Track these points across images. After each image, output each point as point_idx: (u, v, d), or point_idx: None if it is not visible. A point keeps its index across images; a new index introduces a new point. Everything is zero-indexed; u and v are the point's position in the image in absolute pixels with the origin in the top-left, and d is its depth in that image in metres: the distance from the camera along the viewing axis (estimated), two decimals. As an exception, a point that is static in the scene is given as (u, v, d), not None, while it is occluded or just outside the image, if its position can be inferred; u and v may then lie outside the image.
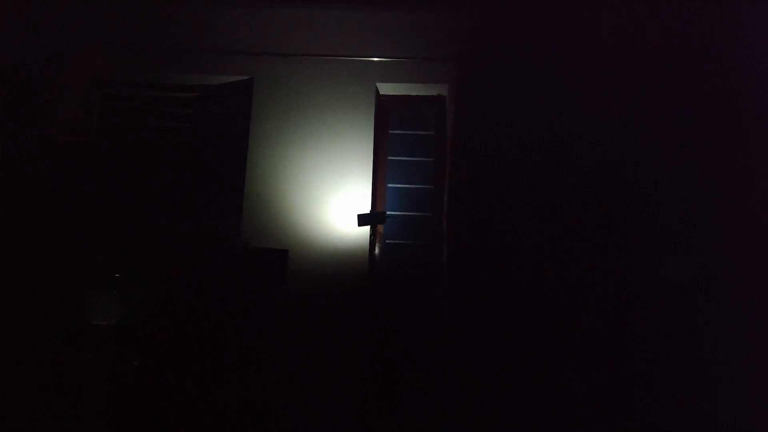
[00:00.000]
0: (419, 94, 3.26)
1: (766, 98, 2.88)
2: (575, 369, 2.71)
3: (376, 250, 3.10)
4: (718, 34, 2.95)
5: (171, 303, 2.78)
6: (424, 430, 2.72)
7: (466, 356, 2.75)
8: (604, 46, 3.00)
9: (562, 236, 2.85)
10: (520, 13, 3.09)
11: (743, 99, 2.90)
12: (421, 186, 3.20)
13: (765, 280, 2.76)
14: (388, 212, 3.13)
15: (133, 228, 3.10)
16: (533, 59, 3.03)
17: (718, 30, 2.95)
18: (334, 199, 3.04)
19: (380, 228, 3.11)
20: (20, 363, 2.76)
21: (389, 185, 3.20)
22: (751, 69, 2.91)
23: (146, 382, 2.69)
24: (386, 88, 3.23)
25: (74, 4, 3.19)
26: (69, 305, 2.93)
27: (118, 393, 2.70)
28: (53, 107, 3.09)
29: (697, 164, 2.86)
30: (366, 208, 3.03)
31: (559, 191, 2.90)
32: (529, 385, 2.70)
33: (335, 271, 2.95)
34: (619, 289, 2.79)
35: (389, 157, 3.22)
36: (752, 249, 2.79)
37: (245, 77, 3.20)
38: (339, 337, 2.87)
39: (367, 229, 3.01)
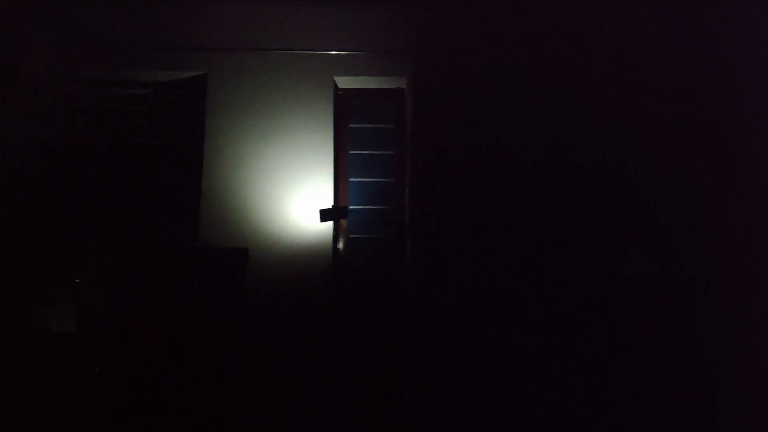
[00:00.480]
0: (378, 87, 3.24)
1: (766, 98, 2.92)
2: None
3: (340, 245, 3.09)
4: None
5: (130, 307, 2.71)
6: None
7: (432, 351, 2.76)
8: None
9: (529, 238, 2.86)
10: (482, 6, 3.08)
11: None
12: (382, 179, 3.19)
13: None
14: (350, 206, 3.11)
15: (89, 231, 3.01)
16: (494, 53, 3.03)
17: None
18: (296, 195, 3.01)
19: (343, 223, 3.09)
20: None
21: (351, 179, 3.18)
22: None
23: (109, 389, 2.63)
24: (345, 82, 3.20)
25: (24, 2, 3.06)
26: (26, 313, 2.84)
27: (82, 401, 2.64)
28: (4, 107, 2.98)
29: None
30: (328, 203, 3.01)
31: (530, 186, 2.90)
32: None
33: (298, 268, 2.92)
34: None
35: (350, 151, 3.20)
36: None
37: (199, 73, 3.13)
38: (303, 335, 2.85)
39: (330, 224, 2.99)
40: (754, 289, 2.80)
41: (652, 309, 2.79)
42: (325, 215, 2.94)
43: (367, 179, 3.18)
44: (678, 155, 2.91)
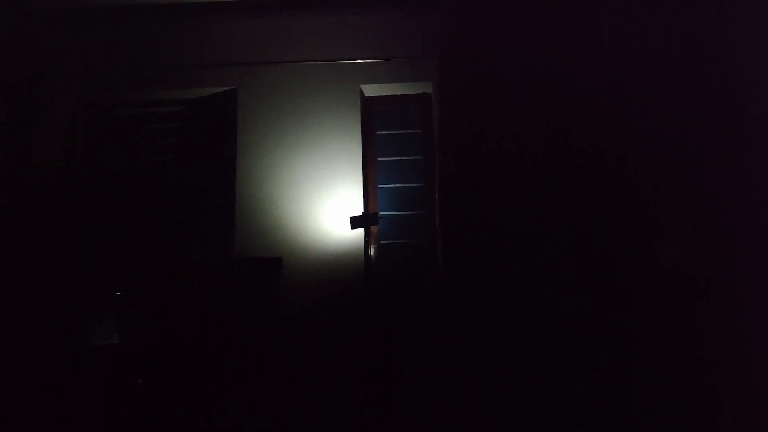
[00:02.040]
0: (404, 93, 3.26)
1: (766, 98, 2.86)
2: (575, 369, 2.69)
3: (371, 252, 3.10)
4: (718, 34, 2.92)
5: (169, 319, 2.78)
6: (424, 430, 2.71)
7: (466, 356, 2.75)
8: (603, 45, 2.97)
9: (559, 235, 2.83)
10: (505, 10, 3.08)
11: (743, 99, 2.87)
12: (411, 185, 3.19)
13: (765, 280, 2.73)
14: (380, 213, 3.13)
15: (127, 247, 3.10)
16: (518, 56, 3.01)
17: (718, 30, 2.93)
18: (326, 204, 3.04)
19: (374, 229, 3.11)
20: (24, 389, 2.76)
21: (380, 186, 3.20)
22: (751, 69, 2.89)
23: (151, 399, 2.69)
24: (371, 90, 3.22)
25: (54, 26, 3.19)
26: (71, 327, 2.93)
27: (124, 411, 2.70)
28: (38, 137, 3.10)
29: (697, 164, 2.84)
30: (358, 211, 3.03)
31: (557, 189, 2.88)
32: (529, 385, 2.69)
33: (331, 276, 2.95)
34: (619, 288, 2.77)
35: (378, 158, 3.22)
36: (752, 249, 2.77)
37: (229, 88, 3.20)
38: (338, 341, 2.87)
39: (360, 231, 3.01)
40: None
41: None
42: (355, 222, 2.96)
43: (397, 185, 3.19)
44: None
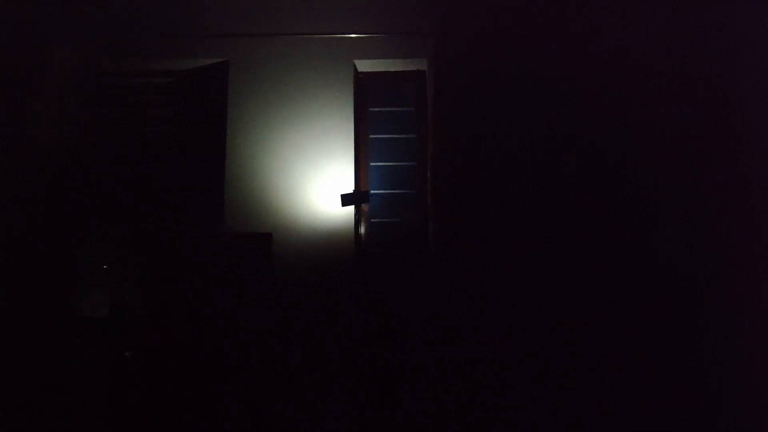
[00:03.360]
0: (398, 69, 3.21)
1: (766, 98, 2.86)
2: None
3: (362, 230, 3.09)
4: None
5: (159, 293, 2.77)
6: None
7: (455, 340, 2.76)
8: (602, 42, 2.94)
9: (554, 220, 2.83)
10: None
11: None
12: (404, 163, 3.17)
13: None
14: (371, 191, 3.11)
15: (118, 220, 3.07)
16: (516, 37, 2.97)
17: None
18: (317, 180, 3.02)
19: (365, 207, 3.09)
20: (15, 359, 2.76)
21: (372, 164, 3.17)
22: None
23: (140, 372, 2.69)
24: (365, 65, 3.18)
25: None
26: (59, 299, 2.92)
27: (114, 384, 2.71)
28: (33, 105, 3.05)
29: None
30: (349, 188, 3.01)
31: (552, 175, 2.86)
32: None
33: (321, 252, 2.94)
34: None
35: (371, 135, 3.19)
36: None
37: (221, 59, 3.14)
38: (327, 318, 2.87)
39: (351, 208, 2.99)
40: (755, 290, 2.75)
41: (652, 309, 2.76)
42: (346, 200, 2.94)
43: (389, 163, 3.17)
44: (678, 155, 2.86)
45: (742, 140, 2.86)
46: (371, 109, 3.21)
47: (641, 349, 2.73)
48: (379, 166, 3.17)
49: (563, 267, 2.80)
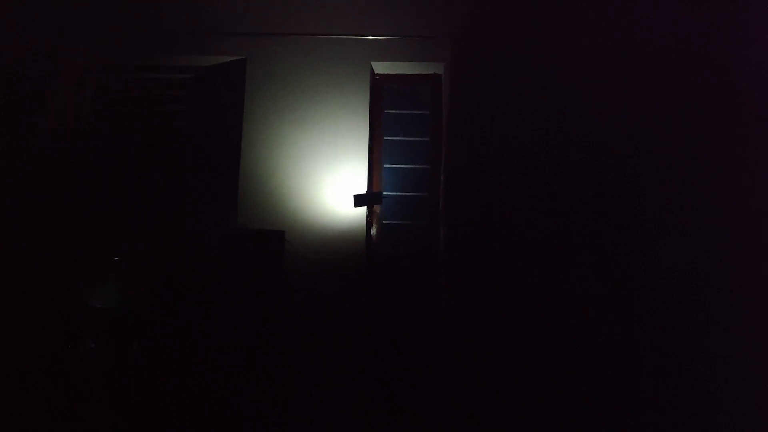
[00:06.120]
0: (414, 72, 3.22)
1: (766, 98, 2.85)
2: (577, 368, 2.71)
3: (373, 231, 3.10)
4: (718, 34, 2.91)
5: (169, 286, 2.78)
6: (423, 430, 2.72)
7: (463, 344, 2.76)
8: (619, 47, 2.95)
9: (565, 226, 2.83)
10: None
11: (743, 99, 2.87)
12: (417, 166, 3.18)
13: (766, 279, 2.75)
14: (384, 192, 3.11)
15: (131, 213, 3.09)
16: (533, 43, 2.98)
17: (718, 30, 2.91)
18: (330, 180, 3.03)
19: (377, 208, 3.10)
20: (21, 349, 2.78)
21: (385, 165, 3.18)
22: (751, 69, 2.88)
23: (146, 365, 2.71)
24: (381, 67, 3.19)
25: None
26: (68, 290, 2.94)
27: (119, 376, 2.72)
28: (46, 99, 3.07)
29: (700, 164, 2.83)
30: (362, 189, 3.02)
31: (564, 180, 2.86)
32: (539, 387, 2.70)
33: (332, 252, 2.95)
34: (620, 287, 2.77)
35: (385, 137, 3.20)
36: (753, 248, 2.77)
37: (238, 57, 3.16)
38: (337, 316, 2.88)
39: (363, 209, 3.00)
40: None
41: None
42: (359, 200, 2.95)
43: (402, 166, 3.18)
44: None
45: (742, 140, 2.85)
46: (386, 111, 3.22)
47: (642, 348, 2.73)
48: (393, 168, 3.18)
49: (574, 271, 2.79)
